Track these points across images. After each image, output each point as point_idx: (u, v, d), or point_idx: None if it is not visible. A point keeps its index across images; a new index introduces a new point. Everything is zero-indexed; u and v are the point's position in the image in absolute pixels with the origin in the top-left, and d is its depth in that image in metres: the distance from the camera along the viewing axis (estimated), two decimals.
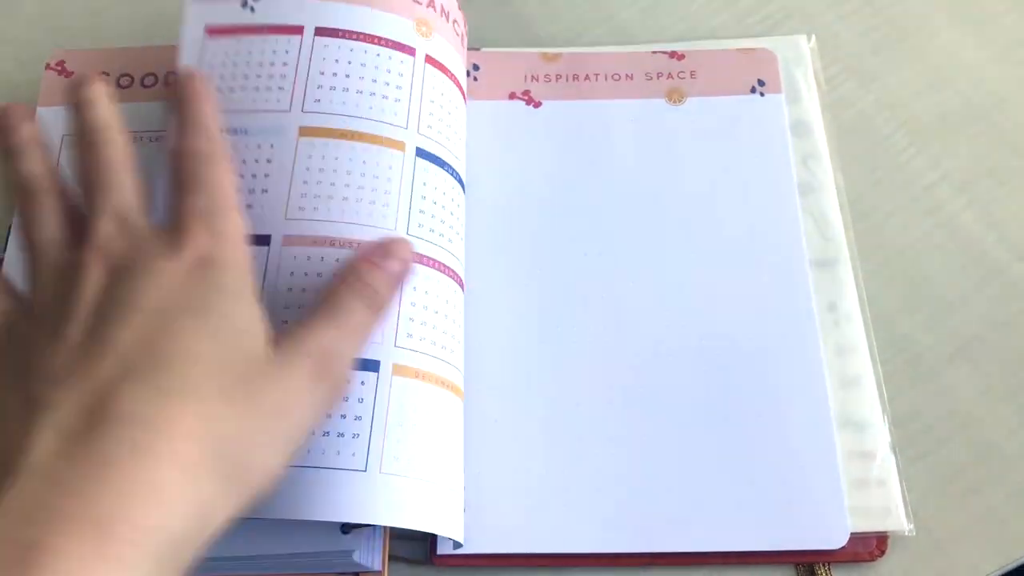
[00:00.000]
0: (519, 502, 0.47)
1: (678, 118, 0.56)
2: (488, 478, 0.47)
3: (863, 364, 0.50)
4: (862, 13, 0.61)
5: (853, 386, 0.50)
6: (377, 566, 0.45)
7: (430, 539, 0.47)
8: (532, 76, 0.57)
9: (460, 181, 0.50)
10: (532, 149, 0.55)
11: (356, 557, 0.44)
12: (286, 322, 0.43)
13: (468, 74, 0.56)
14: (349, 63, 0.49)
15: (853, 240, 0.53)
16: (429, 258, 0.47)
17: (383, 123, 0.48)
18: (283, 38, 0.49)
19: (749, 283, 0.52)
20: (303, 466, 0.41)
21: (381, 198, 0.46)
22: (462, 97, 0.53)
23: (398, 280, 0.43)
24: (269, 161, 0.47)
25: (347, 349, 0.40)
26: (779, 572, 0.47)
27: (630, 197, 0.54)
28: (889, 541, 0.47)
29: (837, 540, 0.46)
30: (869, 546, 0.47)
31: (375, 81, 0.49)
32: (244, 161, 0.47)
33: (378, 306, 0.41)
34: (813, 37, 0.59)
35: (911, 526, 0.46)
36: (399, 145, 0.48)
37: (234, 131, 0.47)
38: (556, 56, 0.58)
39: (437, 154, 0.49)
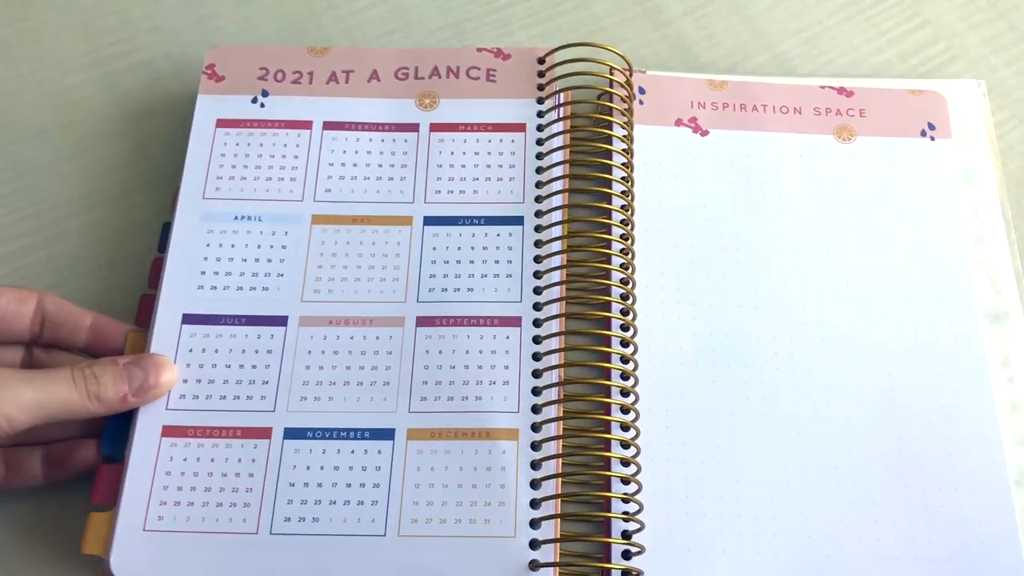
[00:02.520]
0: (695, 548, 0.46)
1: (848, 156, 0.55)
2: (664, 523, 0.46)
3: None
4: None
5: None
6: None
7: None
8: (699, 103, 0.56)
9: (502, 220, 0.51)
10: (700, 178, 0.54)
11: None
12: (304, 398, 0.46)
13: (633, 98, 0.55)
14: (356, 152, 0.52)
15: None
16: (444, 317, 0.48)
17: (390, 203, 0.51)
18: (293, 132, 0.53)
19: (921, 334, 0.50)
20: (328, 535, 0.43)
21: (391, 274, 0.49)
22: (493, 129, 0.53)
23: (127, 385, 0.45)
24: (284, 247, 0.50)
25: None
26: None
27: (800, 235, 0.53)
28: None
29: None
30: None
31: (380, 166, 0.52)
32: (259, 246, 0.50)
33: (94, 395, 0.44)
34: (983, 83, 0.58)
35: None
36: (406, 220, 0.51)
37: (248, 218, 0.50)
38: (723, 84, 0.57)
39: (449, 214, 0.51)
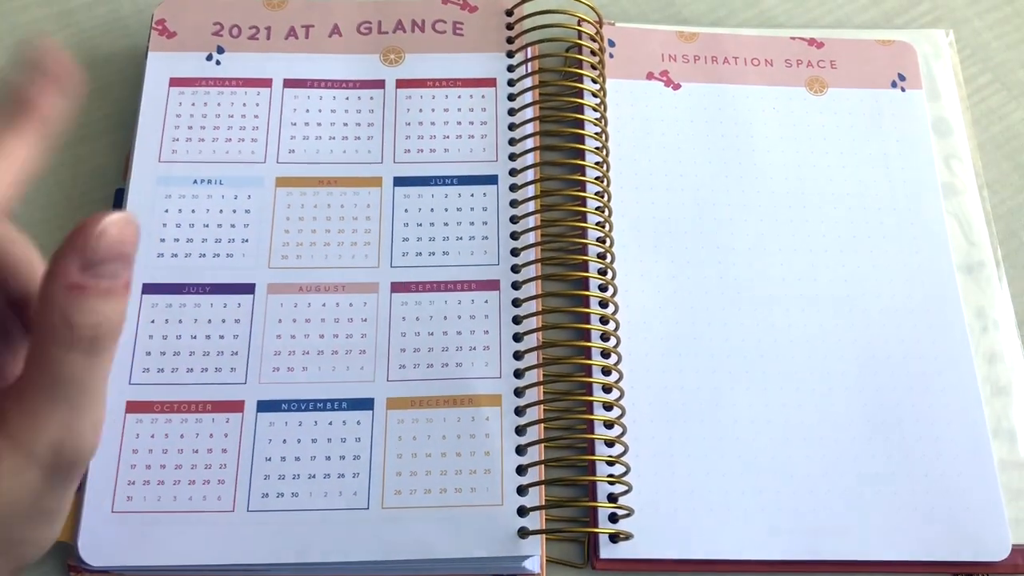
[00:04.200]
0: (681, 508, 0.45)
1: (820, 109, 0.54)
2: (650, 484, 0.45)
3: (1014, 372, 0.49)
4: (1014, 23, 0.60)
5: (1004, 394, 0.49)
6: (536, 569, 0.43)
7: (589, 543, 0.45)
8: (669, 56, 0.55)
9: (475, 180, 0.49)
10: (675, 133, 0.53)
11: (526, 563, 0.42)
12: (277, 369, 0.44)
13: (603, 50, 0.53)
14: (320, 111, 0.50)
15: (998, 244, 0.52)
16: (420, 283, 0.47)
17: (358, 164, 0.49)
18: (252, 91, 0.50)
19: (897, 286, 0.50)
20: (308, 510, 0.42)
21: (363, 238, 0.47)
22: (468, 84, 0.52)
23: (120, 286, 0.30)
24: (248, 212, 0.48)
25: (84, 423, 0.30)
26: None
27: (774, 189, 0.52)
28: None
29: (999, 552, 0.45)
30: None
31: (346, 125, 0.50)
32: (221, 211, 0.47)
33: (104, 341, 0.29)
34: (951, 32, 0.57)
35: None
36: (376, 182, 0.49)
37: (208, 181, 0.48)
38: (693, 36, 0.55)
39: (420, 174, 0.49)
